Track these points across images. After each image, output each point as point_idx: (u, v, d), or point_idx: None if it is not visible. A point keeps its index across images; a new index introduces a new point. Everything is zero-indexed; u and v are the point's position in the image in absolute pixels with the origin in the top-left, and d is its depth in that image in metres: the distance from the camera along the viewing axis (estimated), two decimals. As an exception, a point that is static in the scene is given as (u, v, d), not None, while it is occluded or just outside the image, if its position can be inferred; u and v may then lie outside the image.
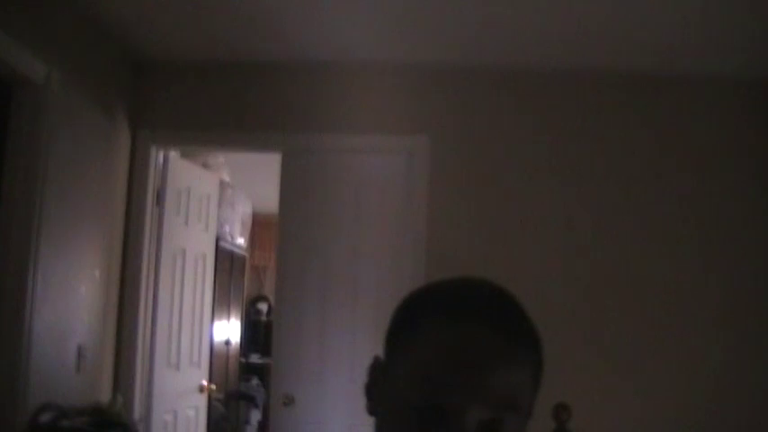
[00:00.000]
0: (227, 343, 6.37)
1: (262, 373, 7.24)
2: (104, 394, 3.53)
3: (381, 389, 0.79)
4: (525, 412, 0.73)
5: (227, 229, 6.18)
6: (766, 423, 3.49)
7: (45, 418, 2.92)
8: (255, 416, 6.91)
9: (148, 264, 3.82)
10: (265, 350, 7.08)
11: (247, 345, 7.55)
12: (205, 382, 4.44)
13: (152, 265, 3.84)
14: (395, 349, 0.78)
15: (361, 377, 0.84)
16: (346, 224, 3.79)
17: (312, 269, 3.77)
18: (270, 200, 4.64)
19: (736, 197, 3.67)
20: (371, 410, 0.81)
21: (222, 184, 5.29)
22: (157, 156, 3.90)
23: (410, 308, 0.79)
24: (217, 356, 5.73)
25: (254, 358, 7.61)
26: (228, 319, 6.38)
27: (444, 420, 0.70)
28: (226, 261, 6.11)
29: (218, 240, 5.19)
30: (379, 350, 0.82)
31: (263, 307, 8.13)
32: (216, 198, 4.78)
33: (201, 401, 4.46)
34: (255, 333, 7.80)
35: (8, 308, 2.82)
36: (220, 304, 5.84)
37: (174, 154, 4.04)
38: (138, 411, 3.71)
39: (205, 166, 4.91)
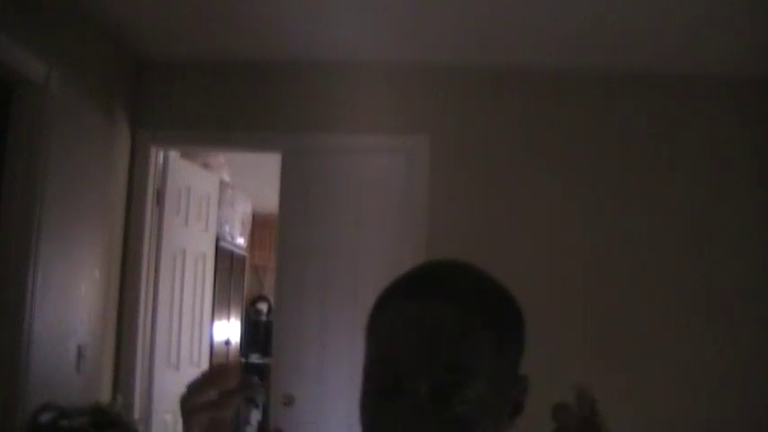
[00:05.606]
0: (227, 343, 6.37)
1: (262, 373, 7.24)
2: (104, 394, 3.54)
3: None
4: (487, 376, 0.73)
5: (227, 229, 6.19)
6: (765, 423, 3.49)
7: (45, 418, 2.92)
8: (255, 416, 6.91)
9: (148, 264, 3.82)
10: (265, 350, 7.08)
11: (247, 345, 7.55)
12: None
13: (152, 265, 3.84)
14: (366, 339, 0.80)
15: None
16: (346, 224, 3.78)
17: (312, 269, 3.77)
18: (270, 200, 4.65)
19: (735, 197, 3.67)
20: None
21: (222, 184, 5.29)
22: (157, 156, 3.91)
23: (379, 296, 0.82)
24: (217, 356, 5.74)
25: (254, 358, 7.62)
26: (228, 319, 6.39)
27: (400, 393, 0.72)
28: (226, 261, 6.11)
29: (218, 240, 5.19)
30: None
31: (263, 307, 8.14)
32: (216, 198, 4.78)
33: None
34: (255, 333, 7.80)
35: (8, 308, 2.82)
36: (220, 304, 5.84)
37: (174, 154, 4.04)
38: (138, 411, 3.71)
39: (205, 166, 4.91)
